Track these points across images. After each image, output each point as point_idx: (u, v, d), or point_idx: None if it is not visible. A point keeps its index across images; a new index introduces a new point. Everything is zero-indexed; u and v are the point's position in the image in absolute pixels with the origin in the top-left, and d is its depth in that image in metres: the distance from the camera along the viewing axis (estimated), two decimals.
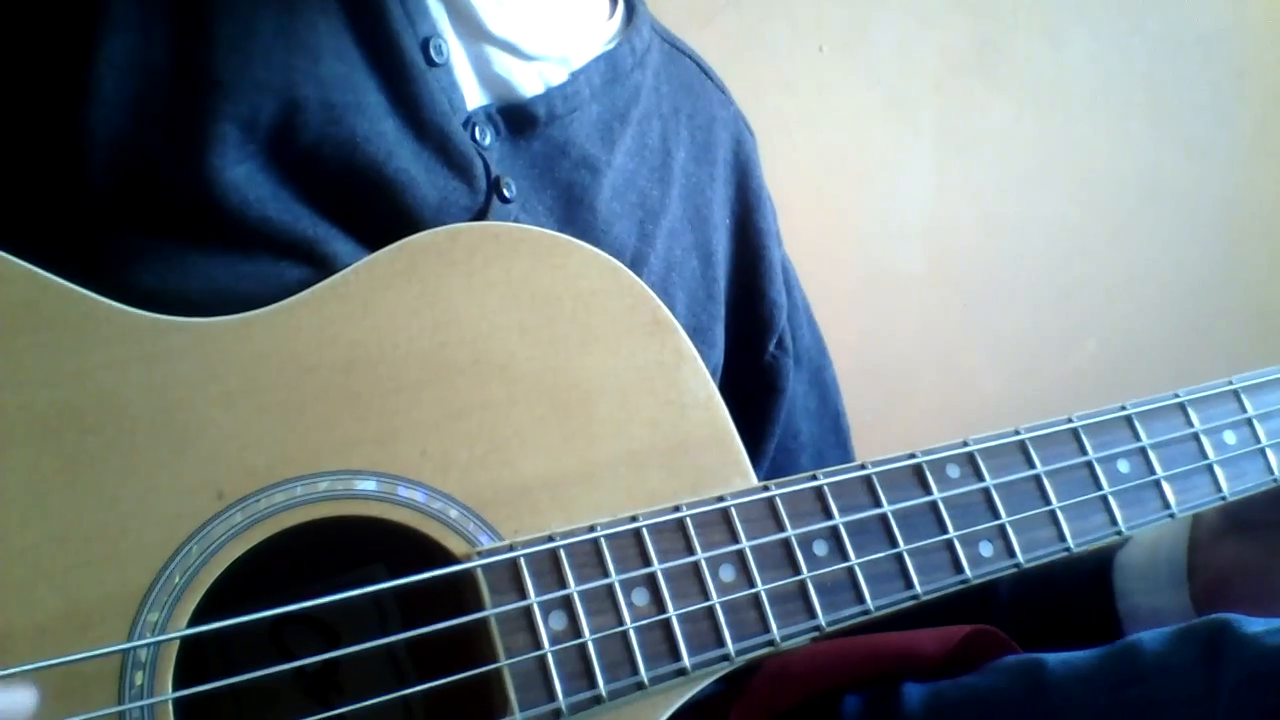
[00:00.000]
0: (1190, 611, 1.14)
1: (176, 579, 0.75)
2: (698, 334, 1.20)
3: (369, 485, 0.82)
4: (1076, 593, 1.02)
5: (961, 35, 2.10)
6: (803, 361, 1.36)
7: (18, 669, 0.69)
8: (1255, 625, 0.91)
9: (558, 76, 1.09)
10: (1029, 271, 2.18)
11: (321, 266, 0.90)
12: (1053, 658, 1.02)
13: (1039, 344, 2.19)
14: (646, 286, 0.95)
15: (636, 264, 1.12)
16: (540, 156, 1.07)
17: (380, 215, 0.94)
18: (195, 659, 0.78)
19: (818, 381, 1.39)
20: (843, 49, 2.00)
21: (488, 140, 1.02)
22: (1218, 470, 1.06)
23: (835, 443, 1.40)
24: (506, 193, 1.01)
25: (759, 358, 1.30)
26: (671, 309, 1.10)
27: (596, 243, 1.02)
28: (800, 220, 1.94)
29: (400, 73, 0.97)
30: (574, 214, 1.08)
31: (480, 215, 1.00)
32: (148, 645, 0.74)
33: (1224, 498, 1.06)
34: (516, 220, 1.02)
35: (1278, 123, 2.40)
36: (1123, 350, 2.24)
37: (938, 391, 2.12)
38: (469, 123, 1.01)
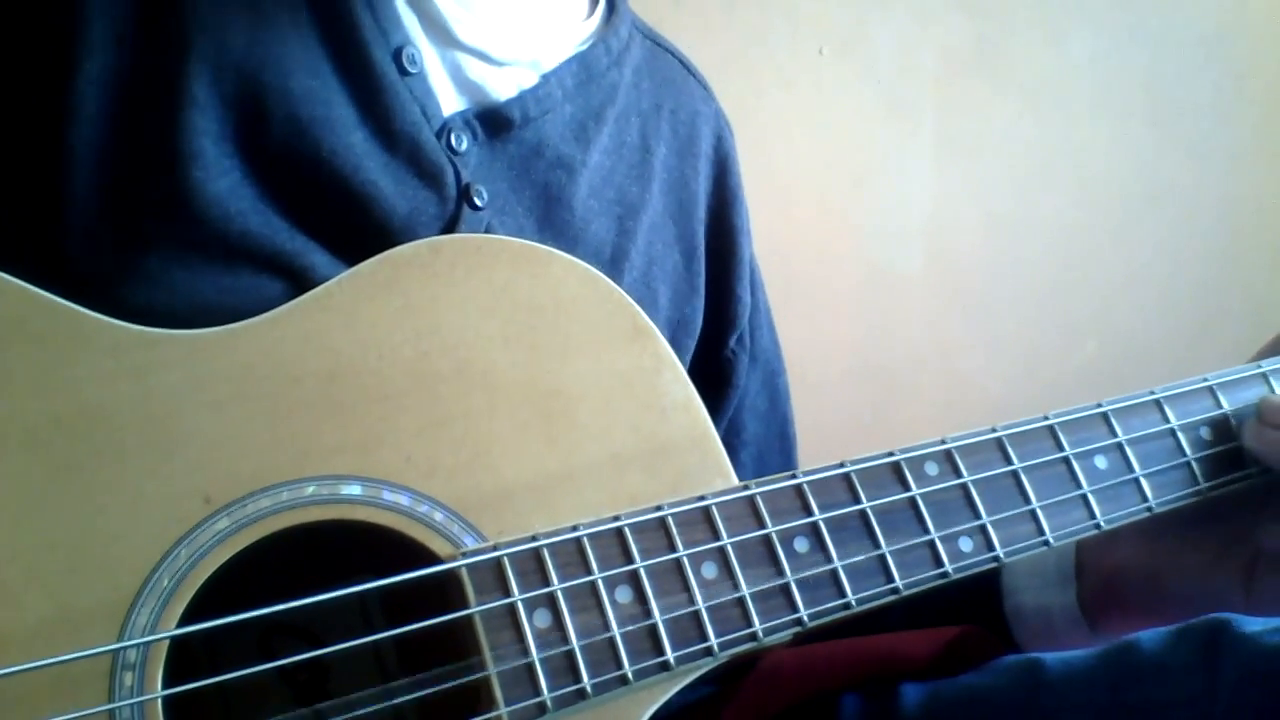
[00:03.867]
0: (1076, 612, 1.14)
1: (165, 582, 0.77)
2: (681, 327, 1.22)
3: (354, 490, 0.84)
4: (965, 589, 1.03)
5: (962, 36, 2.10)
6: (759, 362, 1.36)
7: (10, 670, 0.71)
8: (1254, 625, 0.91)
9: (529, 80, 1.09)
10: (1029, 271, 2.18)
11: (300, 280, 0.92)
12: (1051, 657, 1.02)
13: (1039, 344, 2.19)
14: (625, 294, 0.96)
15: (617, 260, 1.14)
16: (516, 159, 1.08)
17: (352, 227, 0.96)
18: (184, 668, 0.79)
19: (770, 385, 1.39)
20: (843, 50, 2.01)
21: (464, 145, 1.03)
22: (1194, 465, 1.07)
23: (779, 448, 1.41)
24: (477, 201, 1.02)
25: (719, 352, 1.31)
26: (654, 303, 1.13)
27: (575, 240, 1.04)
28: (800, 220, 1.95)
29: (371, 83, 0.97)
30: (552, 213, 1.10)
31: (450, 224, 1.02)
32: (137, 645, 0.75)
33: (1199, 492, 1.07)
34: (489, 227, 1.03)
35: (1278, 123, 2.40)
36: (1123, 350, 2.24)
37: (938, 391, 2.12)
38: (445, 129, 1.02)
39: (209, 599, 0.79)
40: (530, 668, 0.83)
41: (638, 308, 0.96)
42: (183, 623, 0.77)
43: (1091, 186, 2.24)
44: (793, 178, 1.95)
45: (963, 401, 2.12)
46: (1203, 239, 2.34)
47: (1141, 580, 1.12)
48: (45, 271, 0.81)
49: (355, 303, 0.87)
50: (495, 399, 0.89)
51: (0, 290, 0.79)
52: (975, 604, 1.18)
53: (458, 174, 1.02)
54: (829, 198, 2.02)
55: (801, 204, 1.96)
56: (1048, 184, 2.19)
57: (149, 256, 0.89)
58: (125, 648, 0.75)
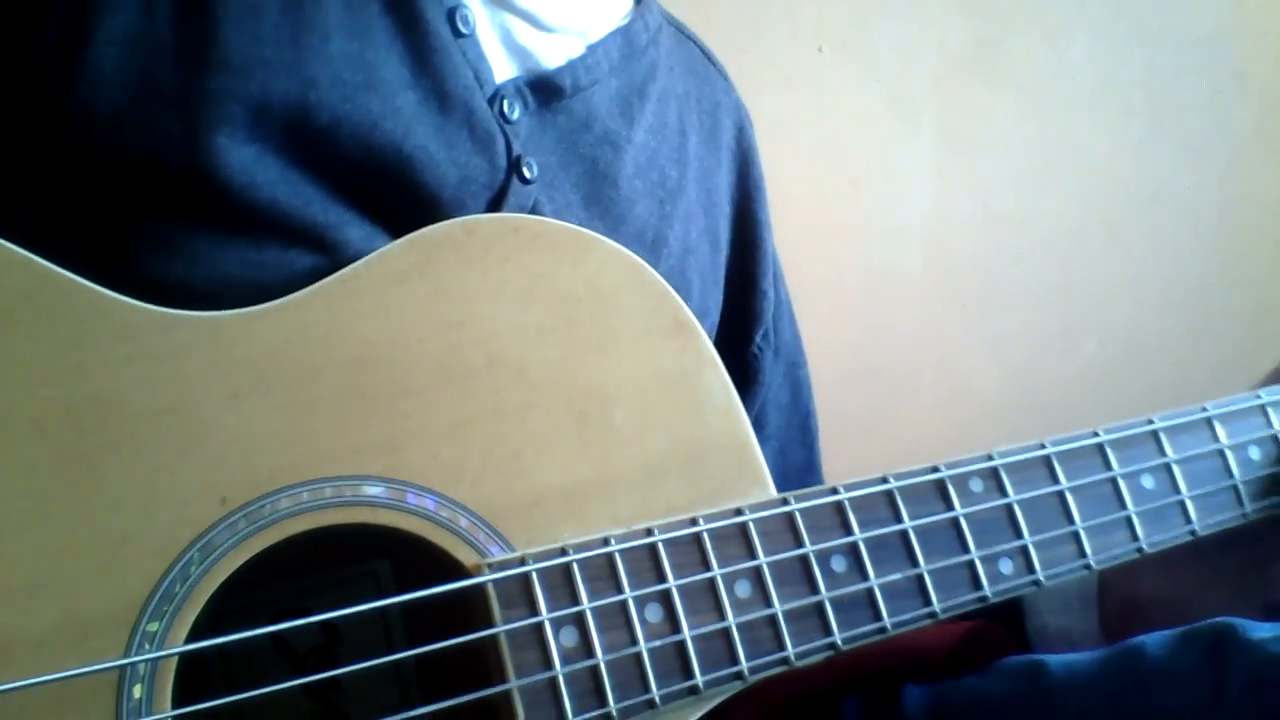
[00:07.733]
0: (1099, 635, 1.12)
1: (177, 588, 0.72)
2: (704, 320, 1.19)
3: (377, 491, 0.79)
4: (990, 605, 1.01)
5: (961, 36, 2.09)
6: (781, 355, 1.34)
7: (11, 686, 0.66)
8: (1260, 631, 0.89)
9: (576, 49, 1.07)
10: (1028, 271, 2.17)
11: (333, 254, 0.87)
12: (1055, 660, 1.00)
13: (1038, 344, 2.18)
14: (668, 285, 0.92)
15: (657, 245, 1.11)
16: (566, 131, 1.04)
17: (396, 196, 0.91)
18: (194, 665, 0.75)
19: (792, 377, 1.37)
20: (842, 49, 1.99)
21: (516, 114, 0.99)
22: (1240, 488, 1.05)
23: (801, 441, 1.39)
24: (527, 173, 0.98)
25: (745, 349, 1.29)
26: (689, 294, 1.11)
27: (620, 220, 1.02)
28: (800, 220, 1.93)
29: (425, 43, 0.94)
30: (599, 191, 1.06)
31: (500, 195, 0.97)
32: (145, 661, 0.71)
33: (1245, 515, 1.05)
34: (536, 203, 0.99)
35: (1277, 123, 2.40)
36: (1122, 350, 2.23)
37: (937, 391, 2.10)
38: (498, 95, 0.98)
39: (222, 588, 0.75)
40: (555, 689, 0.80)
41: (680, 300, 0.93)
42: (195, 628, 0.73)
43: (1091, 186, 2.23)
44: (791, 177, 1.92)
45: (962, 401, 2.11)
46: (1202, 238, 2.34)
47: (1165, 609, 1.09)
48: (57, 235, 0.78)
49: (383, 288, 0.83)
50: (528, 397, 0.85)
51: (6, 266, 0.73)
52: (999, 620, 1.15)
53: (509, 144, 0.98)
54: (827, 197, 2.01)
55: (800, 203, 1.95)
56: (1047, 183, 2.19)
57: (169, 225, 0.84)
58: (133, 663, 0.71)
